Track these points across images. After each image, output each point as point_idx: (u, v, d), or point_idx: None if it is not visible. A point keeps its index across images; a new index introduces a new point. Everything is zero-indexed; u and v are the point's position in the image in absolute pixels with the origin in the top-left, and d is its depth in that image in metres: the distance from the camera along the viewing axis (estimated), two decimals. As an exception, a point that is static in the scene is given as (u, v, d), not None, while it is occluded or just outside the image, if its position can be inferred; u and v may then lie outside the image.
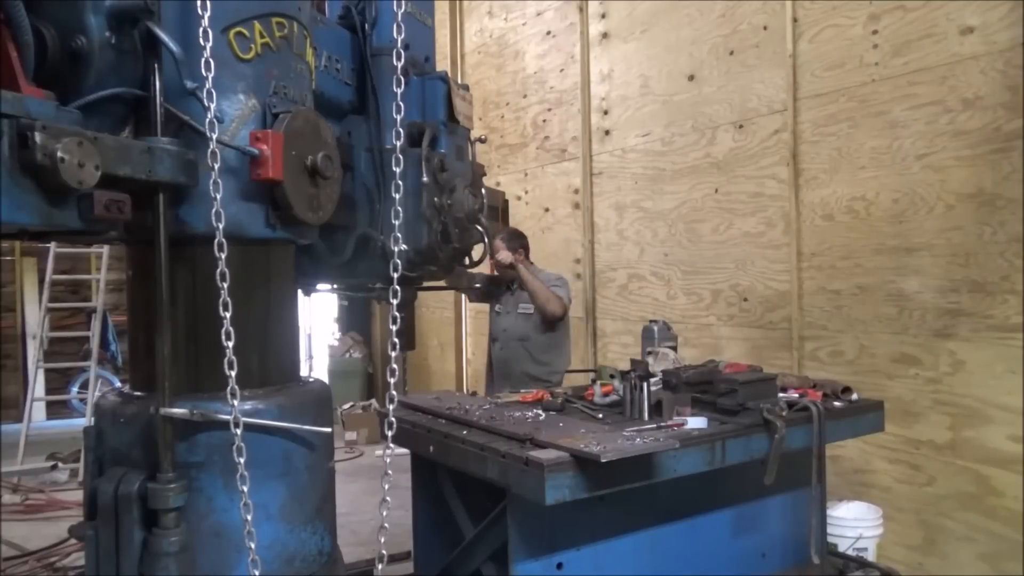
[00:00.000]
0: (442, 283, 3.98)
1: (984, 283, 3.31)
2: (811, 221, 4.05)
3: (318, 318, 10.01)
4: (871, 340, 3.78)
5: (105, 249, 7.03)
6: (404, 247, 1.91)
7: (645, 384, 2.71)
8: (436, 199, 2.45)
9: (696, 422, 2.56)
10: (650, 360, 3.29)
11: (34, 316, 8.59)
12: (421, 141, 2.43)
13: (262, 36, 1.88)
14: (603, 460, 2.06)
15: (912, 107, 3.57)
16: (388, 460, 1.86)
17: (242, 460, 1.71)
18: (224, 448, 1.76)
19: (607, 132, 5.54)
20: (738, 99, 4.47)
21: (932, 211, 3.50)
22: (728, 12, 4.52)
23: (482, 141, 2.97)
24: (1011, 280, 3.21)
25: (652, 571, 2.61)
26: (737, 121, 4.49)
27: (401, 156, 1.90)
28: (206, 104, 1.68)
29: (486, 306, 4.74)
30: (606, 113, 5.55)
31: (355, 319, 9.27)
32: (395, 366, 1.87)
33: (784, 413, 2.63)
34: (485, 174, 2.99)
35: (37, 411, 7.70)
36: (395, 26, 1.88)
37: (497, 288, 4.49)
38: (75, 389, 8.77)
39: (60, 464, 6.41)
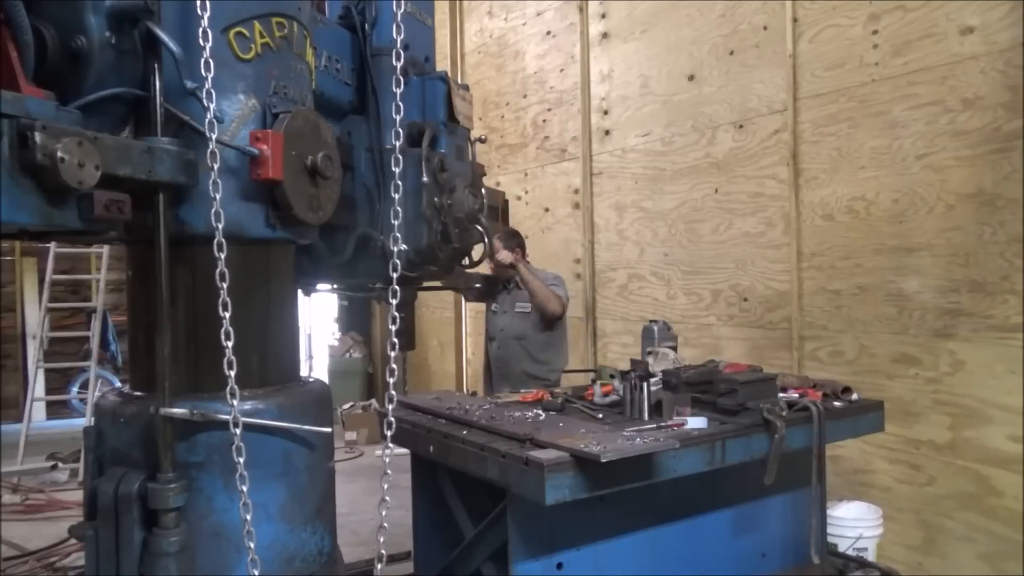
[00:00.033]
0: (439, 283, 3.99)
1: (984, 283, 3.31)
2: (811, 221, 4.05)
3: (318, 318, 10.01)
4: (871, 340, 3.77)
5: (105, 249, 7.03)
6: (404, 247, 1.91)
7: (645, 384, 2.71)
8: (436, 199, 2.45)
9: (696, 422, 2.56)
10: (650, 360, 3.29)
11: (34, 316, 8.59)
12: (421, 141, 2.42)
13: (262, 36, 1.88)
14: (603, 460, 2.06)
15: (912, 107, 3.57)
16: (388, 460, 1.86)
17: (242, 460, 1.71)
18: (224, 448, 1.76)
19: (607, 132, 5.54)
20: (738, 99, 4.47)
21: (932, 211, 3.50)
22: (728, 12, 4.52)
23: (482, 141, 2.97)
24: (1011, 280, 3.21)
25: (652, 571, 2.61)
26: (737, 121, 4.49)
27: (401, 156, 1.90)
28: (206, 104, 1.68)
29: (485, 306, 4.74)
30: (606, 113, 5.55)
31: (355, 319, 9.27)
32: (395, 366, 1.87)
33: (784, 413, 2.63)
34: (485, 174, 2.99)
35: (37, 411, 7.70)
36: (395, 26, 1.88)
37: (494, 288, 4.49)
38: (75, 389, 8.77)
39: (60, 464, 6.41)
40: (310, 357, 9.79)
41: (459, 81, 3.19)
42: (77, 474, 6.12)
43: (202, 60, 1.66)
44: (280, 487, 1.91)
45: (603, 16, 5.55)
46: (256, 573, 1.71)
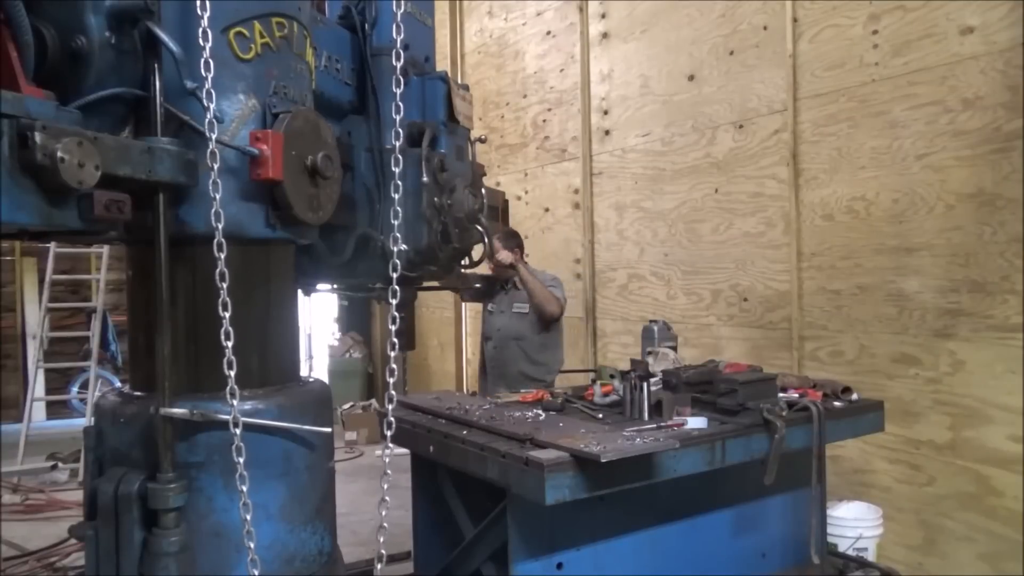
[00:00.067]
0: (438, 283, 3.98)
1: (984, 283, 3.31)
2: (811, 221, 4.05)
3: (318, 318, 10.01)
4: (871, 340, 3.77)
5: (105, 249, 7.03)
6: (404, 247, 1.91)
7: (645, 384, 2.71)
8: (436, 199, 2.45)
9: (696, 422, 2.56)
10: (650, 360, 3.29)
11: (34, 316, 8.59)
12: (421, 141, 2.42)
13: (262, 36, 1.88)
14: (603, 460, 2.06)
15: (912, 107, 3.57)
16: (388, 460, 1.86)
17: (242, 460, 1.71)
18: (224, 448, 1.76)
19: (607, 132, 5.54)
20: (738, 99, 4.47)
21: (932, 211, 3.50)
22: (728, 12, 4.52)
23: (482, 141, 2.97)
24: (1011, 280, 3.21)
25: (652, 571, 2.61)
26: (737, 121, 4.49)
27: (401, 156, 1.90)
28: (206, 104, 1.68)
29: (482, 306, 4.74)
30: (606, 113, 5.55)
31: (355, 319, 9.27)
32: (394, 366, 1.87)
33: (784, 413, 2.63)
34: (485, 174, 2.99)
35: (37, 411, 7.70)
36: (395, 26, 1.88)
37: (491, 288, 4.49)
38: (75, 389, 8.77)
39: (60, 464, 6.42)
40: (310, 357, 9.79)
41: (459, 81, 3.19)
42: (77, 474, 6.13)
43: (202, 60, 1.66)
44: (280, 487, 1.91)
45: (603, 16, 5.55)
46: (256, 573, 1.71)
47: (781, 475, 2.59)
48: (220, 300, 1.69)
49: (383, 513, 1.82)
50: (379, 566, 1.80)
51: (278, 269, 2.05)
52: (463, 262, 2.84)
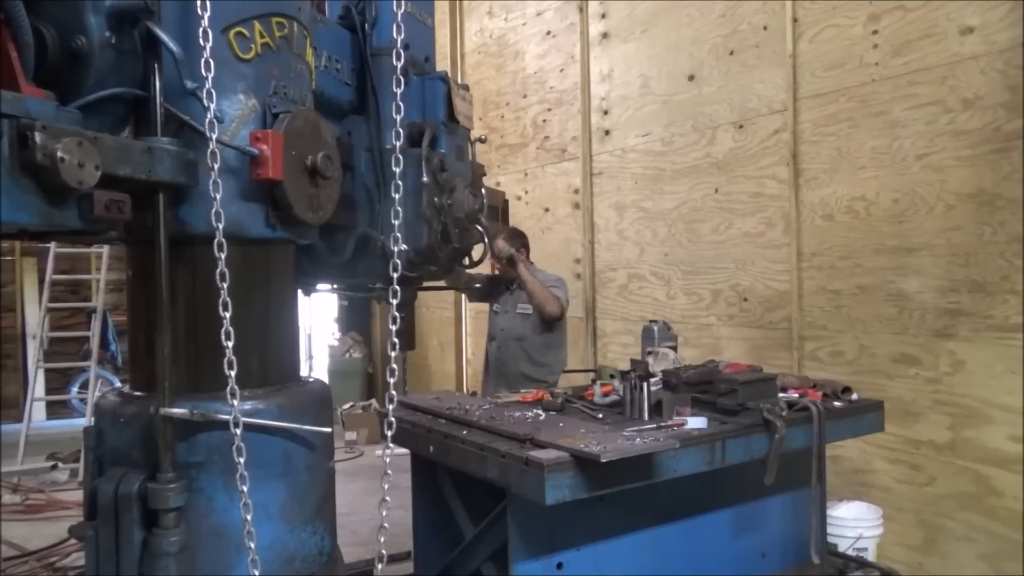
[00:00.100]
0: (441, 283, 3.98)
1: (984, 283, 3.31)
2: (811, 221, 4.05)
3: (318, 318, 10.01)
4: (871, 340, 3.77)
5: (105, 249, 7.03)
6: (404, 247, 1.91)
7: (645, 384, 2.71)
8: (436, 199, 2.45)
9: (696, 422, 2.56)
10: (650, 360, 3.29)
11: (34, 316, 8.59)
12: (421, 141, 2.42)
13: (262, 36, 1.88)
14: (603, 460, 2.06)
15: (912, 107, 3.57)
16: (388, 460, 1.86)
17: (242, 460, 1.71)
18: (224, 448, 1.76)
19: (607, 132, 5.54)
20: (738, 99, 4.47)
21: (932, 211, 3.50)
22: (728, 12, 4.52)
23: (482, 141, 2.97)
24: (1011, 280, 3.21)
25: (652, 571, 2.61)
26: (737, 121, 4.49)
27: (401, 156, 1.90)
28: (206, 104, 1.68)
29: (486, 306, 4.74)
30: (606, 113, 5.55)
31: (355, 319, 9.27)
32: (395, 366, 1.87)
33: (784, 413, 2.62)
34: (485, 174, 2.99)
35: (37, 411, 7.70)
36: (395, 26, 1.88)
37: (496, 288, 4.49)
38: (75, 389, 8.77)
39: (60, 464, 6.41)
40: (310, 357, 9.79)
41: (459, 81, 3.19)
42: (77, 474, 6.12)
43: (202, 60, 1.66)
44: (280, 487, 1.91)
45: (603, 16, 5.55)
46: (256, 573, 1.71)
47: (781, 475, 2.59)
48: (220, 300, 1.69)
49: (384, 513, 1.82)
50: (380, 566, 1.80)
51: (278, 269, 2.05)
52: (464, 262, 2.84)
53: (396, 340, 1.90)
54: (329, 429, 2.05)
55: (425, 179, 2.41)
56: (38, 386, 7.59)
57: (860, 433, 3.15)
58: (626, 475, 2.24)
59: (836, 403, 2.97)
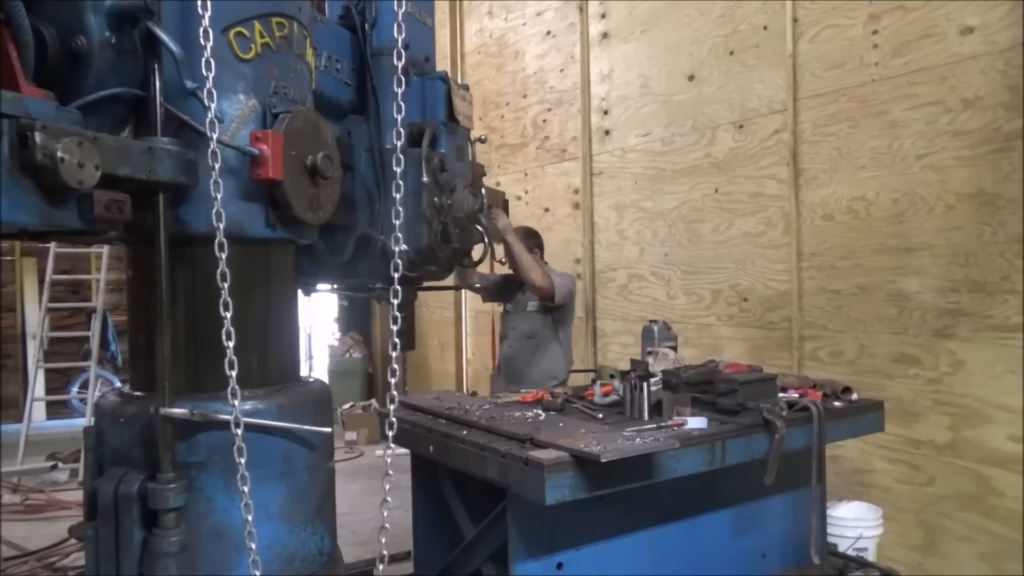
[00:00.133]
0: (444, 283, 3.95)
1: (984, 283, 3.31)
2: (811, 221, 4.05)
3: (318, 318, 10.01)
4: (871, 340, 3.78)
5: (105, 249, 7.03)
6: (404, 247, 1.91)
7: (645, 384, 2.71)
8: (436, 199, 2.45)
9: (696, 422, 2.56)
10: (650, 360, 3.29)
11: (34, 316, 8.60)
12: (421, 141, 2.42)
13: (262, 36, 1.88)
14: (603, 460, 2.06)
15: (912, 107, 3.57)
16: (389, 460, 1.86)
17: (243, 461, 1.71)
18: (224, 448, 1.76)
19: (607, 132, 5.54)
20: (738, 99, 4.47)
21: (932, 211, 3.50)
22: (728, 12, 4.52)
23: (482, 141, 2.97)
24: (1011, 280, 3.21)
25: (652, 571, 2.61)
26: (737, 121, 4.49)
27: (402, 156, 1.90)
28: (206, 104, 1.68)
29: (487, 306, 4.74)
30: (606, 113, 5.55)
31: (355, 319, 9.28)
32: (396, 366, 1.87)
33: (784, 413, 2.62)
34: (485, 174, 2.99)
35: (37, 411, 7.71)
36: (396, 26, 1.88)
37: (510, 288, 4.47)
38: (75, 389, 8.77)
39: (60, 464, 6.41)
40: (310, 357, 9.79)
41: (459, 81, 3.19)
42: (77, 474, 6.13)
43: (202, 60, 1.66)
44: (280, 487, 1.91)
45: (603, 16, 5.55)
46: (257, 574, 1.71)
47: (781, 475, 2.59)
48: (221, 300, 1.69)
49: (385, 514, 1.82)
50: (381, 567, 1.80)
51: (278, 269, 2.05)
52: (463, 262, 2.84)
53: (397, 340, 1.90)
54: (329, 429, 2.05)
55: (425, 179, 2.41)
56: (38, 386, 7.60)
57: (860, 433, 3.15)
58: (626, 475, 2.24)
59: (836, 403, 2.97)
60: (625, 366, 3.26)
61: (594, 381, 3.30)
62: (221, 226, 1.68)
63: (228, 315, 1.70)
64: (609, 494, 2.29)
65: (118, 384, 7.74)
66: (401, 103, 1.89)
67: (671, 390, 2.80)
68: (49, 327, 7.48)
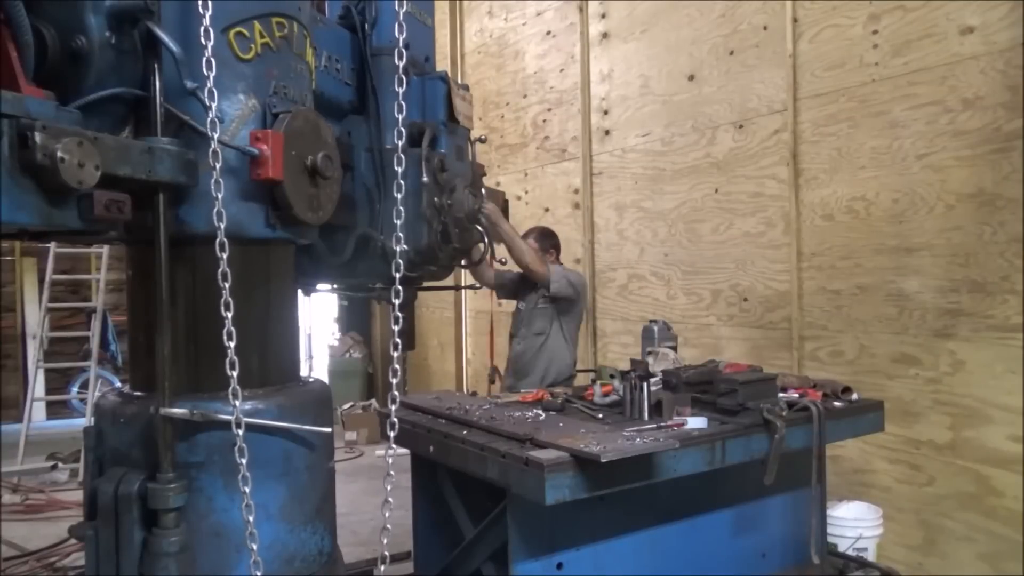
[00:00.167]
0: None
1: (984, 283, 3.31)
2: (811, 221, 4.05)
3: (318, 318, 10.01)
4: (871, 340, 3.77)
5: (105, 249, 7.03)
6: (404, 247, 1.91)
7: (645, 384, 2.71)
8: (436, 199, 2.45)
9: (696, 422, 2.56)
10: (650, 360, 3.29)
11: (34, 316, 8.59)
12: (421, 141, 2.42)
13: (262, 36, 1.88)
14: (603, 460, 2.06)
15: (912, 107, 3.57)
16: (391, 461, 1.86)
17: (244, 461, 1.71)
18: (224, 448, 1.76)
19: (607, 132, 5.54)
20: (738, 99, 4.47)
21: (932, 211, 3.50)
22: (728, 12, 4.52)
23: (482, 141, 2.97)
24: (1011, 280, 3.21)
25: (652, 571, 2.61)
26: (737, 121, 4.49)
27: (403, 156, 1.90)
28: (207, 104, 1.68)
29: (486, 306, 4.74)
30: (606, 113, 5.55)
31: (355, 319, 9.28)
32: (397, 366, 1.87)
33: (784, 413, 2.63)
34: (485, 174, 2.99)
35: (37, 411, 7.70)
36: (397, 25, 1.88)
37: (524, 286, 4.46)
38: (75, 389, 8.77)
39: (60, 464, 6.41)
40: (310, 357, 9.79)
41: (459, 81, 3.19)
42: (77, 474, 6.12)
43: (203, 60, 1.66)
44: (280, 487, 1.90)
45: (603, 16, 5.55)
46: (259, 575, 1.71)
47: (781, 475, 2.59)
48: (223, 300, 1.69)
49: (387, 515, 1.82)
50: (382, 567, 1.80)
51: (278, 269, 2.05)
52: (463, 262, 2.83)
53: (399, 340, 1.90)
54: (329, 429, 2.05)
55: (425, 179, 2.41)
56: (38, 386, 7.59)
57: (860, 433, 3.15)
58: (626, 475, 2.24)
59: (836, 403, 2.97)
60: (625, 366, 3.26)
61: (594, 381, 3.30)
62: (222, 226, 1.68)
63: (229, 315, 1.70)
64: (609, 494, 2.29)
65: (118, 384, 7.74)
66: (402, 103, 1.89)
67: (671, 390, 2.80)
68: (49, 327, 7.47)
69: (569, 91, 5.92)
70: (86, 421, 6.27)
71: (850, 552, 3.34)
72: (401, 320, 1.92)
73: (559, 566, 2.40)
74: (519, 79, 6.59)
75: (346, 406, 7.90)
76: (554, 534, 2.39)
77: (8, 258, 9.05)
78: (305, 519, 1.97)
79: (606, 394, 2.99)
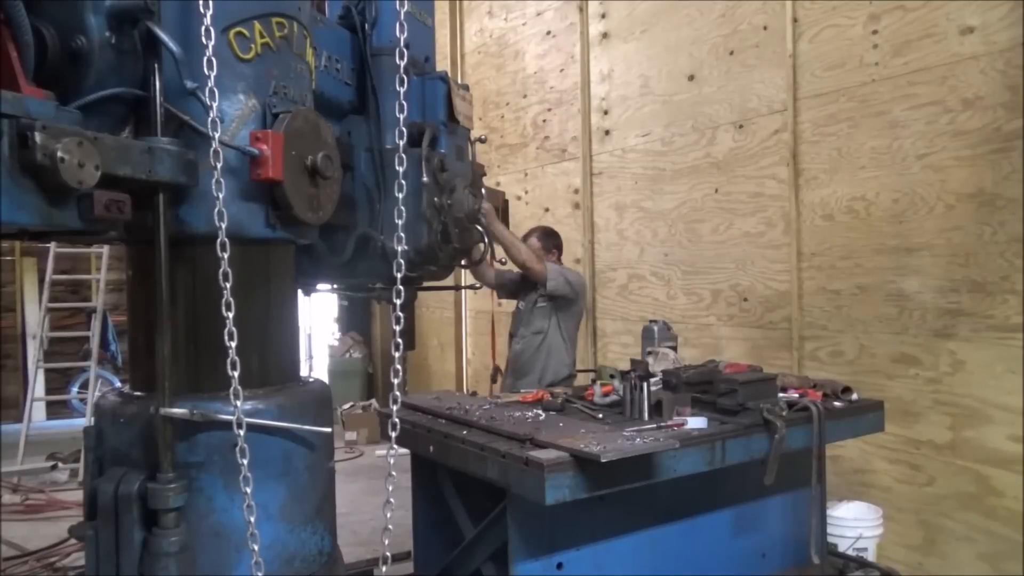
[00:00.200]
0: (444, 283, 3.93)
1: (984, 283, 3.31)
2: (811, 221, 4.05)
3: (318, 318, 10.01)
4: (871, 340, 3.77)
5: (105, 249, 7.03)
6: (405, 247, 1.91)
7: (645, 384, 2.71)
8: (436, 199, 2.45)
9: (696, 422, 2.56)
10: (650, 360, 3.29)
11: (34, 316, 8.59)
12: (421, 141, 2.42)
13: (262, 36, 1.88)
14: (603, 460, 2.06)
15: (912, 107, 3.57)
16: (392, 462, 1.86)
17: (246, 461, 1.71)
18: (224, 448, 1.76)
19: (607, 132, 5.54)
20: (738, 99, 4.47)
21: (932, 211, 3.50)
22: (728, 12, 4.52)
23: (482, 141, 2.97)
24: (1011, 280, 3.21)
25: (652, 571, 2.61)
26: (737, 121, 4.49)
27: (404, 156, 1.90)
28: (208, 104, 1.68)
29: (487, 306, 4.74)
30: (606, 113, 5.55)
31: (355, 319, 9.27)
32: (399, 367, 1.87)
33: (784, 413, 2.63)
34: (485, 174, 2.99)
35: (37, 411, 7.70)
36: (398, 25, 1.88)
37: (525, 286, 4.46)
38: (75, 389, 8.77)
39: (60, 464, 6.41)
40: (310, 357, 9.79)
41: (459, 81, 3.19)
42: (77, 474, 6.12)
43: (204, 60, 1.66)
44: (280, 487, 1.90)
45: (603, 16, 5.55)
46: (261, 575, 1.71)
47: (781, 475, 2.59)
48: (224, 300, 1.69)
49: (388, 515, 1.82)
50: (383, 568, 1.80)
51: (278, 269, 2.05)
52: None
53: (400, 340, 1.90)
54: (329, 429, 2.05)
55: (425, 179, 2.41)
56: (38, 386, 7.59)
57: (860, 433, 3.15)
58: (626, 475, 2.24)
59: (836, 403, 2.97)
60: (625, 366, 3.26)
61: (594, 381, 3.30)
62: (223, 226, 1.68)
63: (231, 315, 1.70)
64: (609, 494, 2.29)
65: (118, 384, 7.74)
66: (403, 102, 1.89)
67: (671, 390, 2.80)
68: (49, 327, 7.47)
69: (569, 91, 5.92)
70: (86, 421, 6.27)
71: (850, 552, 3.34)
72: (402, 320, 1.92)
73: (559, 566, 2.39)
74: (519, 79, 6.59)
75: (346, 406, 7.89)
76: (554, 534, 2.39)
77: (8, 258, 9.05)
78: (305, 519, 1.97)
79: (606, 394, 2.99)
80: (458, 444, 2.48)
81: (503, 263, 4.16)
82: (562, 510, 2.28)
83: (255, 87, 1.87)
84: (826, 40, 3.95)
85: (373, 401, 8.28)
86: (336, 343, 9.07)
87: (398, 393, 1.87)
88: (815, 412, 2.71)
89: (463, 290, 6.37)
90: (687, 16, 4.80)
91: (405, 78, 1.89)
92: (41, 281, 7.71)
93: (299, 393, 2.03)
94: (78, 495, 4.31)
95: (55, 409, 8.64)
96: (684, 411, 2.62)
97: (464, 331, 7.50)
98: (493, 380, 5.00)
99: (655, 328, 3.62)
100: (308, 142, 1.91)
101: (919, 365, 3.56)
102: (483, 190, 2.78)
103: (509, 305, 4.81)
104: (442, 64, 6.93)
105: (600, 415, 2.78)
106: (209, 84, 1.67)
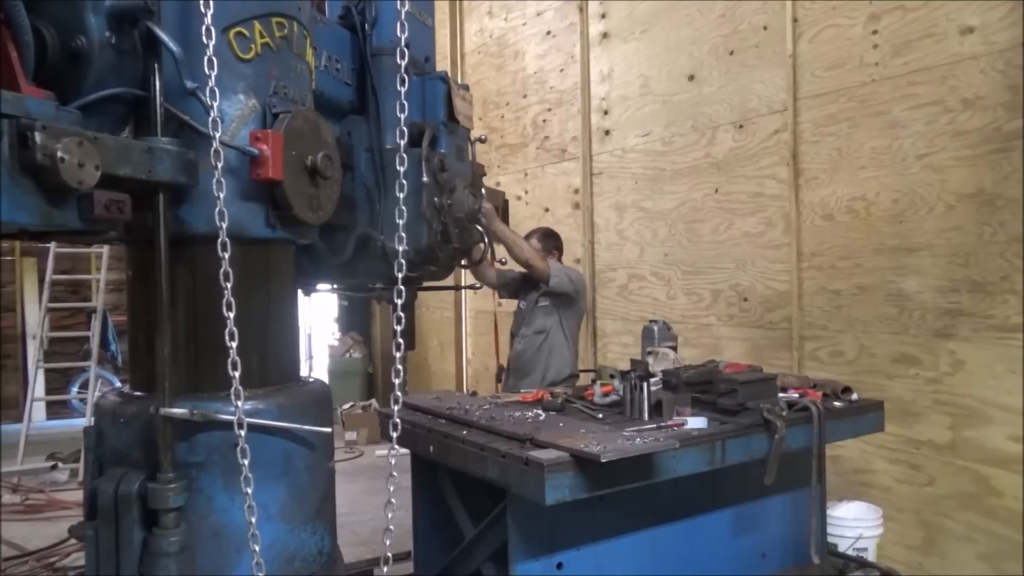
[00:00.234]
0: (444, 283, 3.93)
1: (984, 283, 3.31)
2: (811, 221, 4.05)
3: (318, 318, 10.01)
4: (871, 340, 3.77)
5: (105, 249, 7.03)
6: (404, 247, 1.91)
7: (645, 384, 2.71)
8: (436, 199, 2.45)
9: (696, 422, 2.56)
10: (650, 360, 3.29)
11: (34, 316, 8.59)
12: (421, 141, 2.42)
13: (262, 36, 1.88)
14: (603, 460, 2.06)
15: (912, 107, 3.57)
16: (393, 462, 1.86)
17: (246, 462, 1.71)
18: (224, 448, 1.76)
19: (607, 132, 5.54)
20: (738, 99, 4.47)
21: (932, 211, 3.50)
22: (728, 12, 4.52)
23: (482, 141, 2.97)
24: (1011, 280, 3.21)
25: (652, 571, 2.61)
26: (737, 121, 4.49)
27: (404, 156, 1.90)
28: (208, 104, 1.68)
29: (487, 306, 4.74)
30: (606, 113, 5.55)
31: (355, 319, 9.27)
32: (400, 367, 1.87)
33: (784, 413, 2.63)
34: (485, 174, 2.99)
35: (37, 411, 7.70)
36: (398, 24, 1.88)
37: (527, 285, 4.46)
38: (75, 389, 8.77)
39: (60, 464, 6.41)
40: (310, 357, 9.79)
41: (459, 81, 3.19)
42: (77, 474, 6.12)
43: (204, 60, 1.66)
44: (280, 487, 1.90)
45: (603, 16, 5.55)
46: (261, 575, 1.71)
47: (781, 475, 2.59)
48: (224, 300, 1.69)
49: (389, 516, 1.82)
50: (384, 569, 1.80)
51: (278, 269, 2.05)
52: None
53: (401, 341, 1.90)
54: (329, 429, 2.05)
55: (425, 179, 2.41)
56: (38, 386, 7.59)
57: (860, 433, 3.15)
58: (626, 475, 2.24)
59: (836, 403, 2.97)
60: (625, 366, 3.26)
61: (594, 381, 3.30)
62: (224, 226, 1.68)
63: (231, 315, 1.70)
64: (609, 494, 2.29)
65: (118, 384, 7.74)
66: (404, 102, 1.88)
67: (671, 390, 2.80)
68: (49, 327, 7.47)
69: (569, 91, 5.92)
70: (86, 421, 6.27)
71: (850, 552, 3.34)
72: (402, 320, 1.92)
73: (559, 566, 2.39)
74: (519, 79, 6.59)
75: (346, 406, 7.89)
76: (554, 534, 2.39)
77: (8, 258, 9.05)
78: (305, 519, 1.97)
79: (606, 394, 2.99)
80: (458, 444, 2.48)
81: (503, 263, 4.16)
82: (562, 510, 2.28)
83: (255, 87, 1.87)
84: (826, 40, 3.95)
85: (373, 401, 8.28)
86: (336, 343, 9.07)
87: (399, 393, 1.87)
88: (815, 412, 2.71)
89: (463, 290, 6.37)
90: (687, 16, 4.80)
91: (405, 78, 1.89)
92: (41, 281, 7.71)
93: (299, 393, 2.02)
94: (78, 495, 4.31)
95: (55, 409, 8.64)
96: (684, 411, 2.62)
97: (464, 331, 7.50)
98: (498, 379, 5.00)
99: (655, 328, 3.62)
100: (308, 142, 1.91)
101: (919, 365, 3.56)
102: (483, 190, 2.78)
103: (511, 305, 4.80)
104: (442, 64, 6.93)
105: (600, 415, 2.78)
106: (209, 84, 1.67)
